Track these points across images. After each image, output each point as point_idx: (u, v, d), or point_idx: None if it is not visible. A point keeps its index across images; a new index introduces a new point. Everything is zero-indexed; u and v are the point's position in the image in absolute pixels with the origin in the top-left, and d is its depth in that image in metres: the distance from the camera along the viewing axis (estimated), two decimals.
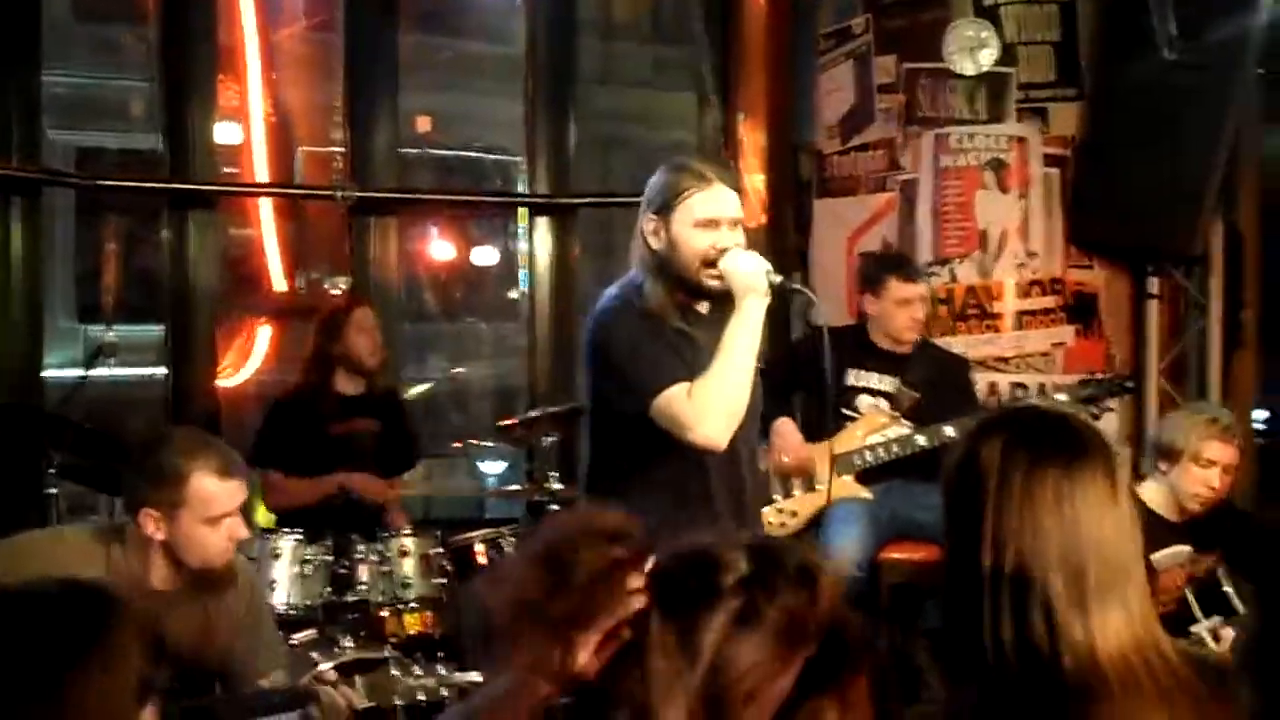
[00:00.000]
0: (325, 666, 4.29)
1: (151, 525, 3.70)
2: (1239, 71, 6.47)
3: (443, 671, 4.15)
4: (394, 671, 4.11)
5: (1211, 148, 6.52)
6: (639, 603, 1.89)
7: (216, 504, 3.73)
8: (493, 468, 9.93)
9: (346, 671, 3.99)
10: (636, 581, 1.91)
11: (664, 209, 3.93)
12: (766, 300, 3.86)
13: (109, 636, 2.11)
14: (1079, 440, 2.33)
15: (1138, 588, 2.26)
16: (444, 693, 4.15)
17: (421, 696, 4.08)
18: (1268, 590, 1.46)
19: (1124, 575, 2.24)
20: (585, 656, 1.90)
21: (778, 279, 3.88)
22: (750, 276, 3.82)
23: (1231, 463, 5.22)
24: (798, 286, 4.48)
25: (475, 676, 4.26)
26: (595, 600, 1.90)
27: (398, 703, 4.05)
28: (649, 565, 1.93)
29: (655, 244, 3.95)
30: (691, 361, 3.85)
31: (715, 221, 3.89)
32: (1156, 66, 6.53)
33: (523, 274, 8.40)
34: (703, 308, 4.01)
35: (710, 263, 3.86)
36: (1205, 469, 5.14)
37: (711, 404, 3.74)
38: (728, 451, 3.87)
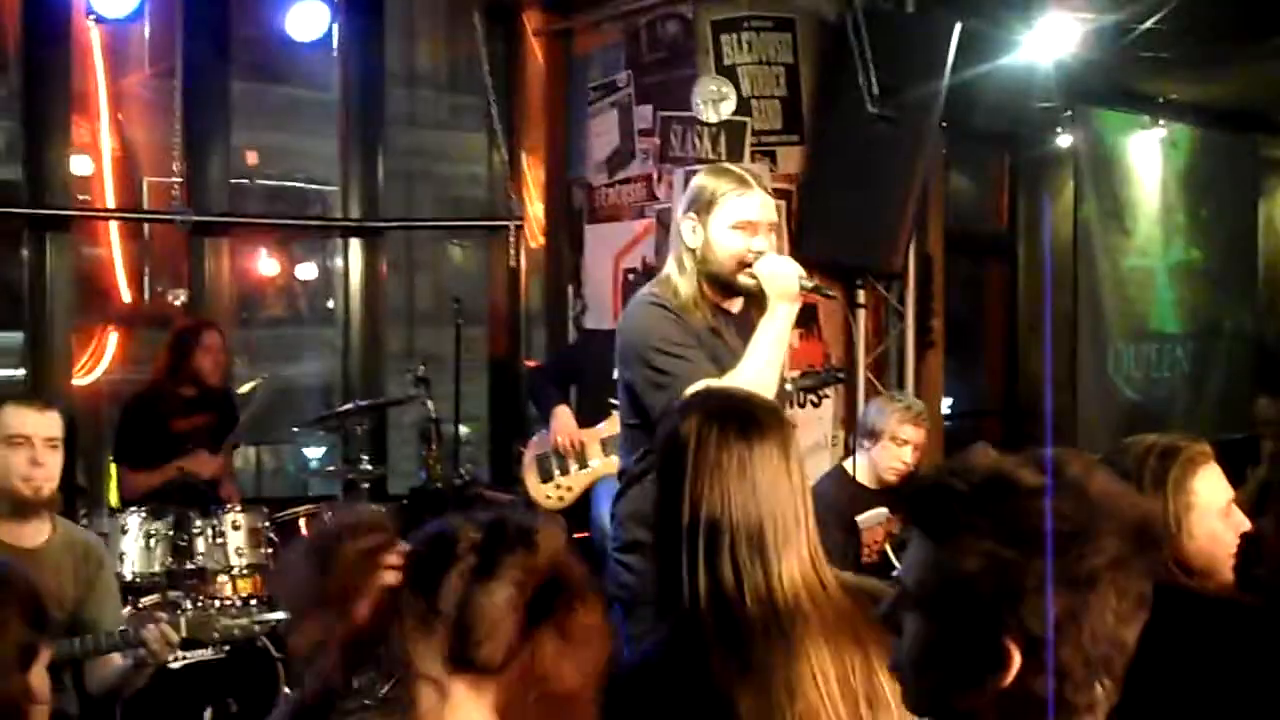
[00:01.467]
0: (150, 602, 4.40)
1: None
2: (927, 124, 6.66)
3: (255, 612, 4.08)
4: (213, 611, 4.04)
5: (905, 185, 6.71)
6: (393, 578, 1.92)
7: (11, 424, 3.87)
8: (314, 452, 9.76)
9: (170, 611, 4.03)
10: (391, 560, 1.94)
11: (703, 210, 3.68)
12: (798, 305, 3.65)
13: None
14: (759, 421, 2.43)
15: (807, 540, 2.38)
16: (256, 628, 4.13)
17: (236, 632, 4.06)
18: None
19: (794, 531, 2.36)
20: (360, 618, 1.94)
21: (810, 284, 3.66)
22: (784, 280, 3.60)
23: (920, 443, 5.41)
24: (830, 293, 4.14)
25: (282, 615, 4.37)
26: (354, 580, 1.94)
27: (215, 636, 4.02)
28: (400, 548, 1.97)
29: (692, 242, 3.69)
30: (721, 359, 3.64)
31: (752, 225, 3.65)
32: (862, 119, 6.64)
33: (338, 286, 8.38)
34: (734, 306, 3.78)
35: (745, 264, 3.63)
36: (900, 447, 5.32)
37: None
38: None
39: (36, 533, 3.92)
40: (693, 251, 3.70)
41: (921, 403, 5.84)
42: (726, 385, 3.43)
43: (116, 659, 3.94)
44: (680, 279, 3.73)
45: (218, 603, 4.21)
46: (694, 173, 6.81)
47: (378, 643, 1.95)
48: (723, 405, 2.50)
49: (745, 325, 3.73)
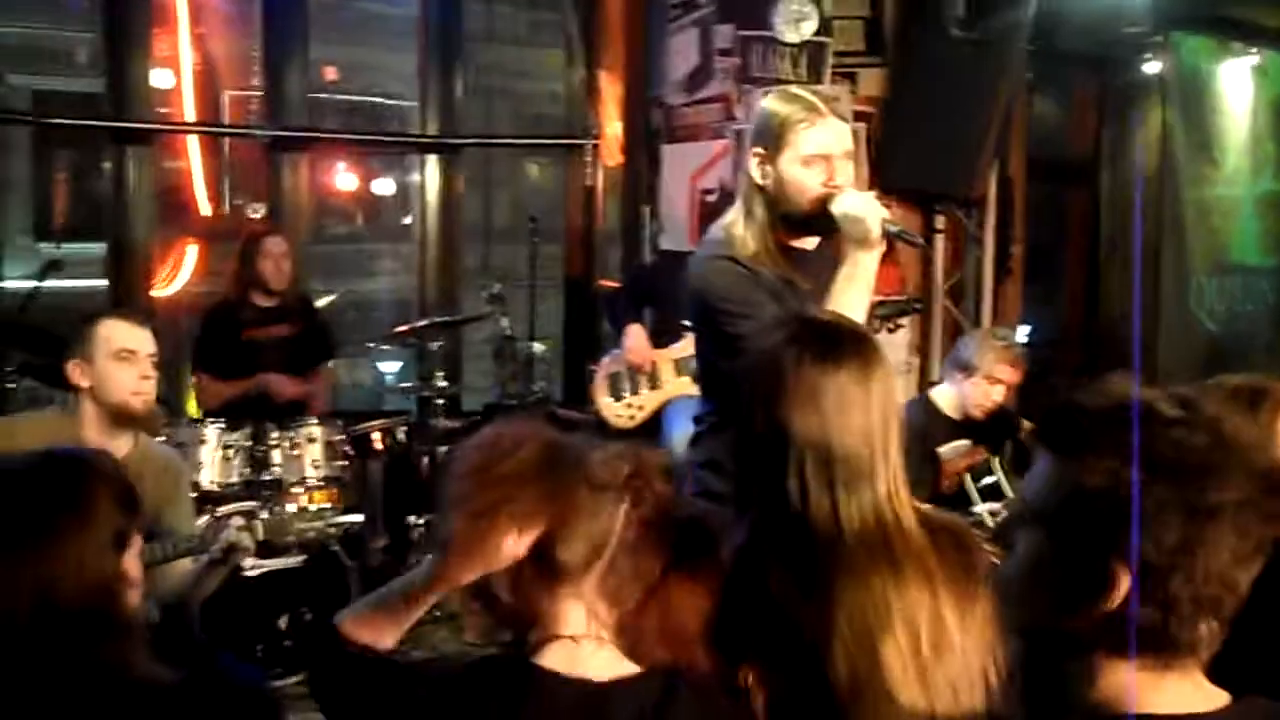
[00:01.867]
0: (226, 509, 4.47)
1: (77, 374, 3.88)
2: (1012, 48, 6.57)
3: (329, 517, 4.17)
4: (288, 517, 4.07)
5: (988, 110, 6.63)
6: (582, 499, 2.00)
7: (119, 339, 3.88)
8: (389, 367, 9.85)
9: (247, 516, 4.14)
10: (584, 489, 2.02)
11: (771, 143, 3.28)
12: (880, 250, 3.21)
13: (84, 497, 2.12)
14: (838, 347, 2.31)
15: (885, 473, 2.27)
16: (330, 531, 4.22)
17: (311, 534, 4.12)
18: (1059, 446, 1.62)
19: (868, 462, 2.25)
20: (516, 541, 1.99)
21: (895, 228, 3.21)
22: (865, 223, 3.16)
23: (1014, 382, 5.35)
24: (910, 236, 3.41)
25: (357, 517, 4.41)
26: (567, 492, 2.01)
27: (290, 539, 4.09)
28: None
29: (761, 179, 3.31)
30: (799, 308, 3.13)
31: (828, 157, 3.26)
32: (946, 42, 6.61)
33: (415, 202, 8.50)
34: (808, 244, 3.40)
35: (823, 202, 3.24)
36: (992, 385, 5.29)
37: None
38: None
39: (120, 445, 3.96)
40: (762, 191, 3.33)
41: (1020, 343, 5.73)
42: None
43: (188, 564, 3.98)
44: (749, 229, 3.35)
45: (293, 509, 4.26)
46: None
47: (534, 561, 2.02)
48: (807, 329, 2.39)
49: (824, 263, 3.36)
